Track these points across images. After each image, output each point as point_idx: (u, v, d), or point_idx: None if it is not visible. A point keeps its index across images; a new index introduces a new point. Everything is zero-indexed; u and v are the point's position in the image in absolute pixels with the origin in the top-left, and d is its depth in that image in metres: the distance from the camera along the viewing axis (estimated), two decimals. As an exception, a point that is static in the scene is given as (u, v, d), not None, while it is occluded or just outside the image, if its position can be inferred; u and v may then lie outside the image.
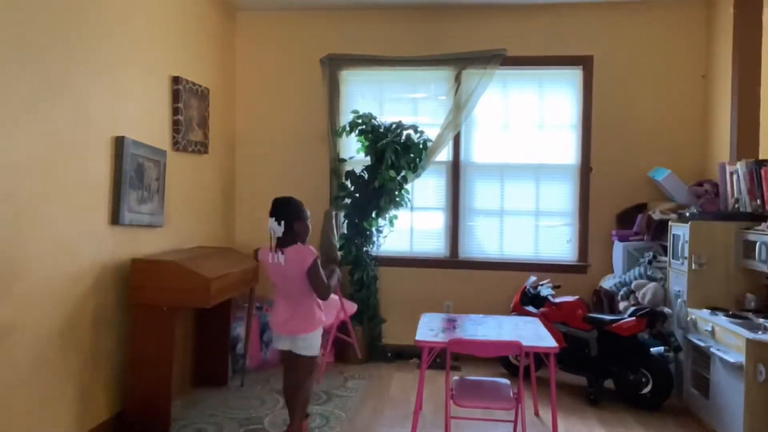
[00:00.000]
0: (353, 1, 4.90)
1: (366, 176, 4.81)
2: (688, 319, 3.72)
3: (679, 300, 3.88)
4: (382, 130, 4.77)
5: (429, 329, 3.26)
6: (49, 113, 2.83)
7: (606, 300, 4.60)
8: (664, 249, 4.26)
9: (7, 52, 2.58)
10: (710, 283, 3.70)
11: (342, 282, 4.93)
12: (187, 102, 4.11)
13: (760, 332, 3.06)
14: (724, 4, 4.41)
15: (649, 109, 4.80)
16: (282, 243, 3.03)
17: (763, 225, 3.45)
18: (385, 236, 4.96)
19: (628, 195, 4.79)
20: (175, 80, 4.01)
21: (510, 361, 4.41)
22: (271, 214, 3.04)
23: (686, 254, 3.77)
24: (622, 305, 4.23)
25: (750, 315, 3.40)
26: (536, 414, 3.71)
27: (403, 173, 4.77)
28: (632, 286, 4.24)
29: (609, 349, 3.93)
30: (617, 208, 4.82)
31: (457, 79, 4.94)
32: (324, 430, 3.45)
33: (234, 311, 4.31)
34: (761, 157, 3.90)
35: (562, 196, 4.98)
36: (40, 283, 2.79)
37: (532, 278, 4.48)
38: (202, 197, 4.52)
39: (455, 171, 5.05)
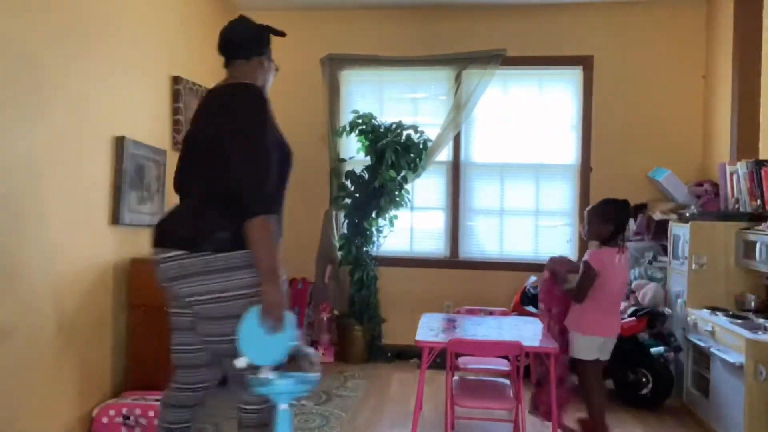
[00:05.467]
0: (353, 1, 4.90)
1: (366, 176, 4.81)
2: (688, 319, 3.72)
3: (679, 300, 3.88)
4: (382, 130, 4.77)
5: (429, 329, 3.25)
6: (49, 113, 2.83)
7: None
8: (664, 249, 4.26)
9: (7, 52, 2.58)
10: (710, 283, 3.70)
11: (342, 282, 4.93)
12: (187, 102, 4.11)
13: (760, 332, 3.05)
14: (724, 4, 4.41)
15: (649, 109, 4.81)
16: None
17: (763, 225, 3.45)
18: (385, 236, 4.96)
19: (628, 195, 4.75)
20: (175, 80, 4.01)
21: None
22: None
23: (686, 254, 3.77)
24: (622, 305, 4.22)
25: (750, 315, 3.40)
26: (536, 414, 3.70)
27: (403, 173, 4.77)
28: (632, 286, 4.24)
29: None
30: (617, 208, 4.81)
31: (457, 79, 4.94)
32: (324, 430, 3.45)
33: (234, 311, 4.30)
34: (761, 157, 3.90)
35: (562, 196, 4.98)
36: (40, 283, 2.79)
37: (532, 278, 4.48)
38: (202, 197, 4.51)
39: (455, 171, 5.05)
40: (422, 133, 4.82)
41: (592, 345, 3.15)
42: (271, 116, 2.16)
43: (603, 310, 3.13)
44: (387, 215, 4.86)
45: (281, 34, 2.35)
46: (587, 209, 3.28)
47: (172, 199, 3.96)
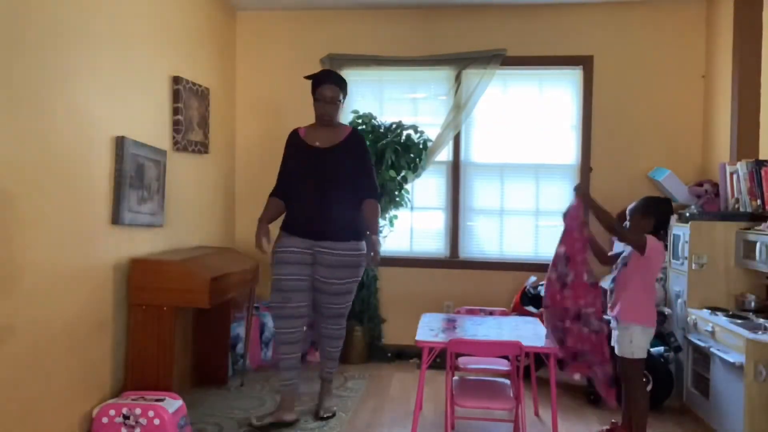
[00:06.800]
0: (353, 1, 4.90)
1: (366, 176, 4.81)
2: (688, 319, 3.72)
3: (679, 300, 3.88)
4: (382, 130, 4.77)
5: (429, 329, 3.26)
6: (49, 113, 2.82)
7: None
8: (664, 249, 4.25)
9: (7, 52, 2.58)
10: (710, 283, 3.70)
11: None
12: (187, 102, 4.11)
13: (760, 332, 3.06)
14: (724, 4, 4.41)
15: (649, 109, 4.81)
16: None
17: (763, 225, 3.45)
18: (385, 236, 4.96)
19: (628, 195, 4.78)
20: (175, 80, 4.01)
21: None
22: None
23: (686, 254, 3.78)
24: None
25: (750, 315, 3.40)
26: (536, 414, 3.71)
27: (403, 173, 4.77)
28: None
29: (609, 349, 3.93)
30: (617, 208, 4.80)
31: (457, 79, 4.94)
32: (324, 430, 3.45)
33: (234, 311, 4.31)
34: (761, 157, 3.90)
35: (562, 196, 4.97)
36: (40, 283, 2.79)
37: (532, 278, 4.48)
38: (202, 197, 4.52)
39: (455, 171, 5.05)
40: (422, 133, 4.82)
41: (649, 339, 3.16)
42: (293, 145, 3.64)
43: (652, 300, 3.17)
44: (387, 215, 4.86)
45: (310, 77, 3.55)
46: (629, 208, 3.27)
47: (173, 199, 3.98)
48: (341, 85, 3.52)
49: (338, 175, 3.46)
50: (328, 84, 3.47)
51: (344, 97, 3.55)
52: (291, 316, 3.44)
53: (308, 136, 3.55)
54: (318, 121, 3.55)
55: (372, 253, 3.53)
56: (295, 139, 3.60)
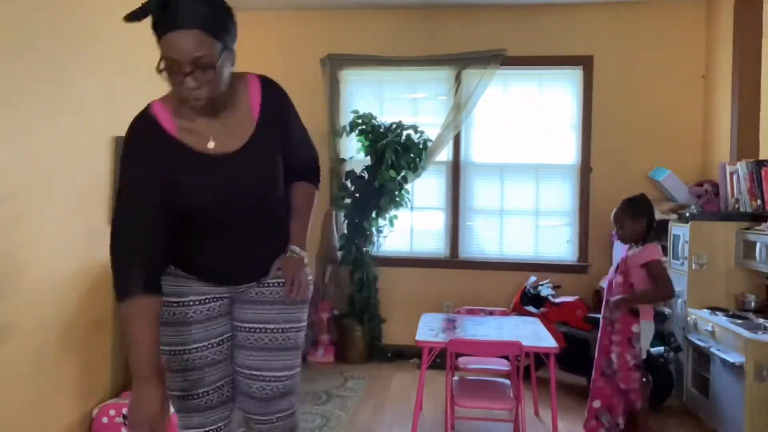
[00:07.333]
0: (353, 1, 4.90)
1: (366, 176, 4.81)
2: (688, 319, 3.72)
3: (679, 300, 3.88)
4: (382, 130, 4.77)
5: (429, 329, 3.26)
6: (49, 113, 2.83)
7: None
8: (664, 249, 4.25)
9: (8, 52, 2.58)
10: (710, 283, 3.70)
11: (342, 282, 4.93)
12: (187, 102, 4.10)
13: (760, 332, 3.06)
14: (724, 4, 4.41)
15: (649, 109, 4.80)
16: None
17: (763, 225, 3.45)
18: (385, 236, 4.96)
19: (628, 195, 4.77)
20: (175, 80, 4.00)
21: None
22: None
23: (686, 254, 3.78)
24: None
25: (750, 315, 3.40)
26: (536, 414, 3.71)
27: (403, 173, 4.77)
28: (632, 286, 4.24)
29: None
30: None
31: (457, 79, 4.94)
32: (324, 430, 3.45)
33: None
34: (761, 157, 3.90)
35: (562, 196, 4.98)
36: (40, 283, 2.79)
37: (532, 278, 4.48)
38: (202, 197, 4.51)
39: (455, 171, 5.05)
40: (422, 133, 4.82)
41: (651, 336, 3.13)
42: (154, 149, 1.65)
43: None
44: (387, 215, 4.86)
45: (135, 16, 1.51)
46: (614, 213, 3.21)
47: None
48: (213, 22, 1.52)
49: (265, 188, 1.78)
50: (179, 30, 1.48)
51: (227, 45, 1.58)
52: (208, 407, 1.89)
53: (185, 131, 1.67)
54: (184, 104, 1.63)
55: (291, 282, 1.81)
56: (156, 141, 1.65)
